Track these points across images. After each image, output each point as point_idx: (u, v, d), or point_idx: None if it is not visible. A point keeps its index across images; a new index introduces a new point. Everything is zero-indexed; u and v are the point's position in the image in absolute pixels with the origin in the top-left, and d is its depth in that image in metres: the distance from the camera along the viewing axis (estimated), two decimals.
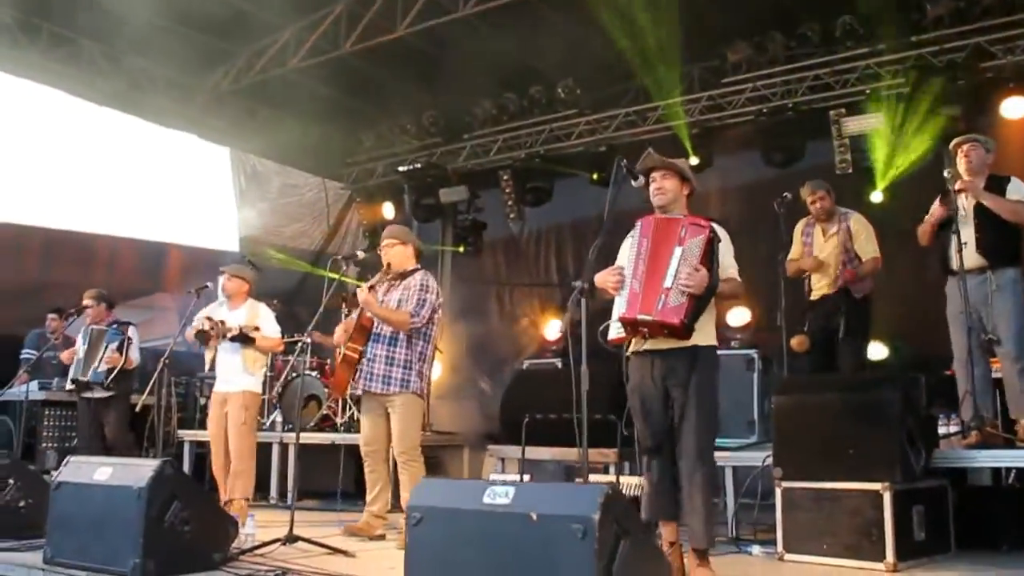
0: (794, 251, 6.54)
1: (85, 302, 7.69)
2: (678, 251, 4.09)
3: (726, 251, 4.29)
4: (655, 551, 3.13)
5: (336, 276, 6.01)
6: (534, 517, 2.82)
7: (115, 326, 7.62)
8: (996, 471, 6.04)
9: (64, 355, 7.75)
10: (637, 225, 4.27)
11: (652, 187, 4.37)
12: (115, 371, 7.38)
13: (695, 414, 4.14)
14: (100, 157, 9.81)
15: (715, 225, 4.24)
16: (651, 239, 4.17)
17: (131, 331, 7.65)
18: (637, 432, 4.36)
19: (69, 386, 7.64)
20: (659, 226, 4.21)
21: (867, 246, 6.32)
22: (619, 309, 4.17)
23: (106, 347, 7.47)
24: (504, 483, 2.98)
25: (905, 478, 4.58)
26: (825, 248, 6.42)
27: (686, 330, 4.06)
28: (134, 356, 7.53)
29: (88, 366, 7.45)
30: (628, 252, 4.25)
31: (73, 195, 9.71)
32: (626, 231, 4.35)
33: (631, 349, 4.33)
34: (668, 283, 4.06)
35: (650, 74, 9.08)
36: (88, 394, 7.55)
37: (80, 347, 7.58)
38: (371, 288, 5.65)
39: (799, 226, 6.50)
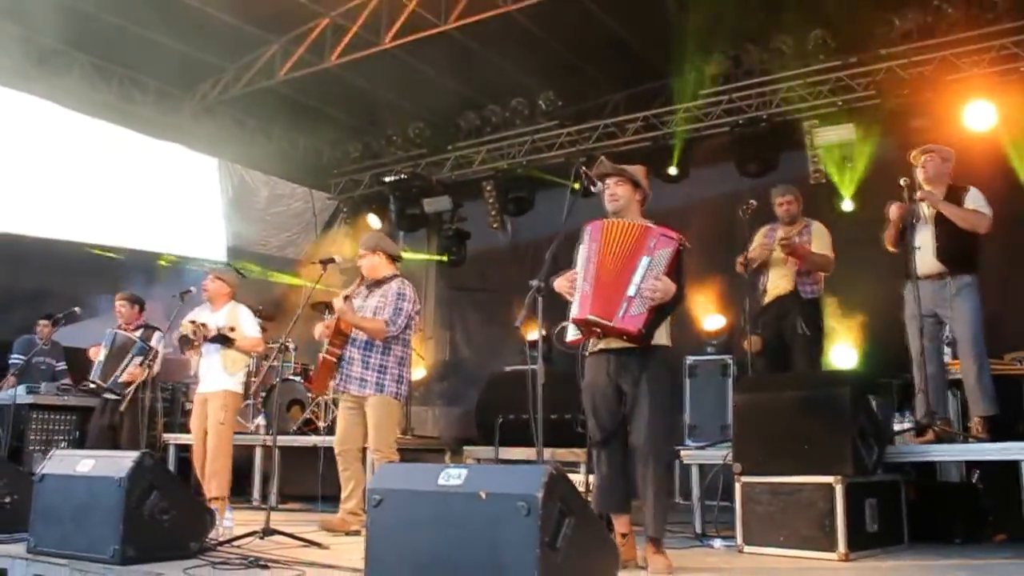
0: (751, 250, 6.65)
1: (118, 304, 7.64)
2: (645, 260, 4.24)
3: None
4: (601, 532, 3.30)
5: (313, 283, 6.14)
6: (483, 495, 2.99)
7: (142, 331, 7.54)
8: (957, 468, 6.25)
9: (92, 352, 7.63)
10: (587, 229, 4.44)
11: (606, 193, 4.56)
12: (133, 385, 7.22)
13: (647, 408, 4.29)
14: (90, 167, 9.95)
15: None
16: (600, 242, 4.33)
17: (155, 338, 7.42)
18: (588, 427, 4.52)
19: (91, 386, 7.58)
20: (608, 229, 4.37)
21: (824, 246, 6.46)
22: (572, 311, 4.33)
23: (130, 359, 7.34)
24: (458, 466, 3.15)
25: (857, 471, 4.76)
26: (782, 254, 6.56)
27: (642, 339, 4.23)
28: (157, 368, 7.30)
29: (108, 373, 7.33)
30: (581, 256, 4.42)
31: (63, 205, 9.85)
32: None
33: (588, 350, 4.51)
34: (631, 291, 4.21)
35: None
36: (108, 395, 7.46)
37: (102, 350, 7.45)
38: (347, 297, 5.81)
39: (762, 229, 6.65)
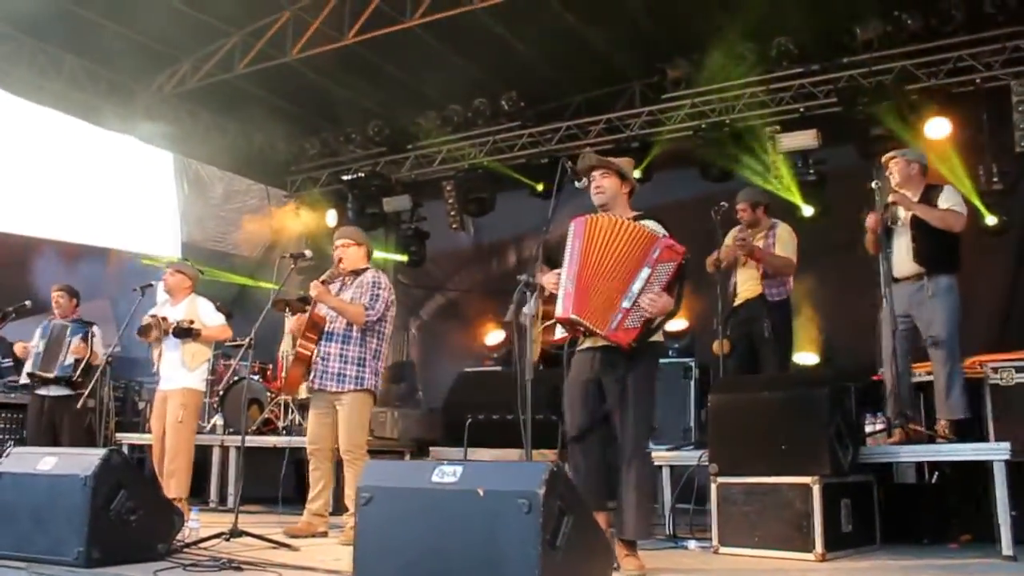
0: (722, 251, 6.66)
1: (55, 295, 7.53)
2: (645, 272, 4.17)
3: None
4: (598, 530, 3.25)
5: (280, 281, 6.01)
6: (481, 493, 2.92)
7: (76, 322, 7.49)
8: (920, 469, 6.32)
9: (17, 348, 7.57)
10: (571, 226, 4.35)
11: (592, 186, 4.48)
12: (82, 363, 7.18)
13: (632, 410, 4.25)
14: (39, 158, 9.67)
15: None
16: (584, 239, 4.25)
17: (94, 328, 7.49)
18: (565, 423, 4.46)
19: (24, 380, 7.46)
20: (594, 226, 4.29)
21: (786, 249, 6.50)
22: (556, 310, 4.26)
23: (70, 341, 7.29)
24: (452, 462, 3.07)
25: (834, 472, 4.78)
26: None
27: (630, 348, 4.19)
28: (99, 351, 7.29)
29: (51, 360, 7.25)
30: (566, 253, 4.32)
31: (10, 197, 9.55)
32: None
33: (576, 347, 4.45)
34: (627, 303, 4.15)
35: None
36: (44, 391, 7.34)
37: (39, 341, 7.37)
38: (323, 283, 5.69)
39: (732, 231, 6.68)
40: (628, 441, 4.23)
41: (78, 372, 7.20)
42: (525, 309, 4.05)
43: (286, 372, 5.92)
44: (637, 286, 4.15)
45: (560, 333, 4.36)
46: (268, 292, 7.03)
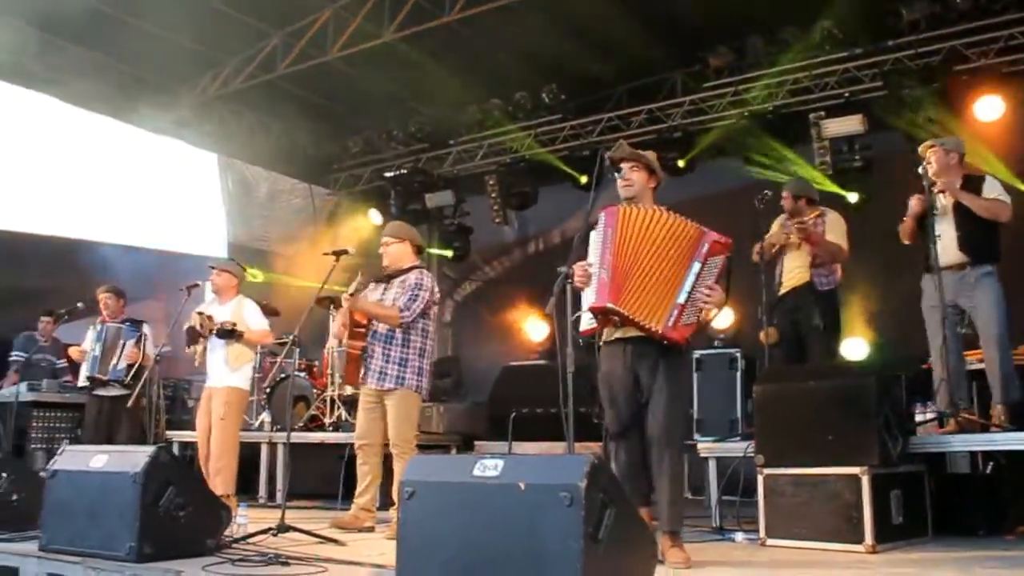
0: (768, 236, 6.54)
1: (101, 296, 7.67)
2: (696, 266, 4.15)
3: None
4: (640, 522, 3.22)
5: (324, 277, 6.01)
6: (522, 486, 2.90)
7: (129, 324, 7.62)
8: (974, 459, 6.19)
9: (73, 352, 7.74)
10: (601, 216, 4.31)
11: (619, 180, 4.44)
12: (134, 367, 7.33)
13: (664, 397, 4.22)
14: (89, 163, 9.86)
15: None
16: (617, 228, 4.21)
17: (146, 328, 7.63)
18: (606, 419, 4.42)
19: (83, 383, 7.61)
20: (627, 217, 4.25)
21: (837, 236, 6.39)
22: (588, 299, 4.21)
23: (124, 344, 7.44)
24: (493, 456, 3.07)
25: (883, 463, 4.68)
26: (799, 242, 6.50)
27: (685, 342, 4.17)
28: (151, 352, 7.41)
29: (107, 364, 7.42)
30: (595, 243, 4.29)
31: (62, 201, 9.75)
32: None
33: (603, 339, 4.41)
34: (682, 298, 4.12)
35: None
36: (102, 391, 7.51)
37: (95, 344, 7.52)
38: (352, 295, 5.65)
39: (779, 219, 6.58)
40: (660, 431, 4.20)
41: (130, 375, 7.34)
42: None
43: (335, 370, 5.93)
44: (690, 281, 4.13)
45: (587, 324, 4.31)
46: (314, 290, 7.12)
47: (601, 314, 4.23)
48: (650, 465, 4.32)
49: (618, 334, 4.35)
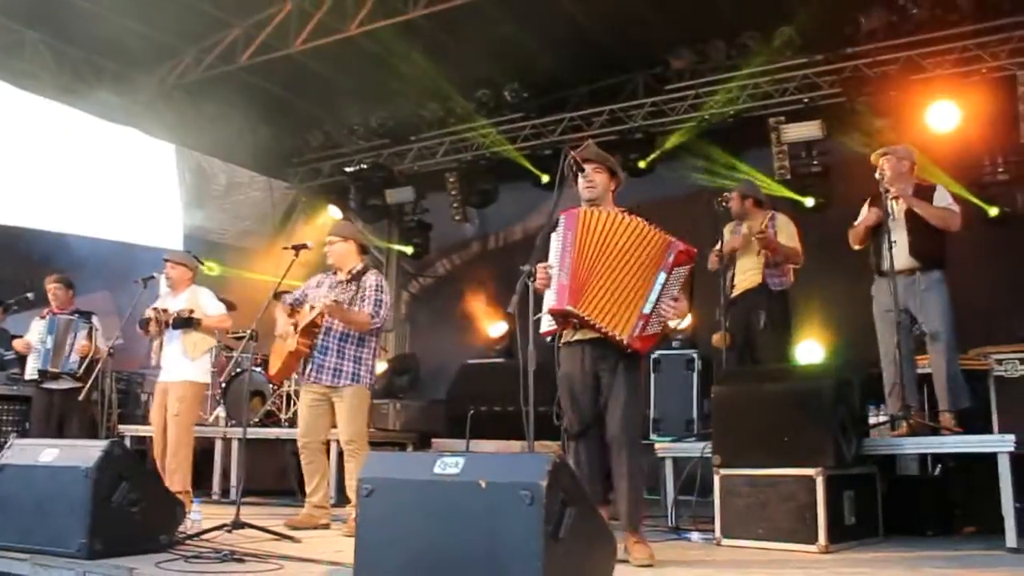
0: (718, 245, 6.58)
1: (50, 287, 7.56)
2: (662, 276, 4.17)
3: None
4: (600, 523, 3.22)
5: (283, 271, 5.95)
6: (483, 485, 2.90)
7: (78, 315, 7.51)
8: (923, 461, 6.31)
9: (18, 344, 7.60)
10: (561, 218, 4.32)
11: (582, 180, 4.44)
12: (87, 360, 7.24)
13: (623, 396, 4.25)
14: (40, 150, 9.62)
15: None
16: (577, 231, 4.22)
17: (95, 320, 7.55)
18: (565, 419, 4.42)
19: (31, 375, 7.47)
20: (588, 219, 4.27)
21: (789, 238, 6.48)
22: (548, 301, 4.22)
23: (75, 336, 7.36)
24: (454, 454, 3.06)
25: (837, 464, 4.75)
26: (750, 246, 6.56)
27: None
28: (102, 345, 7.30)
29: (58, 357, 7.32)
30: (555, 245, 4.29)
31: (12, 189, 9.52)
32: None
33: (563, 340, 4.42)
34: (647, 309, 4.14)
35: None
36: (52, 385, 7.39)
37: (45, 336, 7.41)
38: (336, 301, 5.60)
39: (730, 225, 6.65)
40: (618, 430, 4.23)
41: (82, 368, 7.24)
42: None
43: (276, 361, 5.84)
44: (656, 291, 4.15)
45: (547, 326, 4.31)
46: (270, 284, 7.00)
47: (560, 316, 4.24)
48: (605, 463, 4.35)
49: (577, 336, 4.36)
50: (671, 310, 4.15)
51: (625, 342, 4.14)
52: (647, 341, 4.16)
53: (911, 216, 5.73)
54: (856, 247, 6.04)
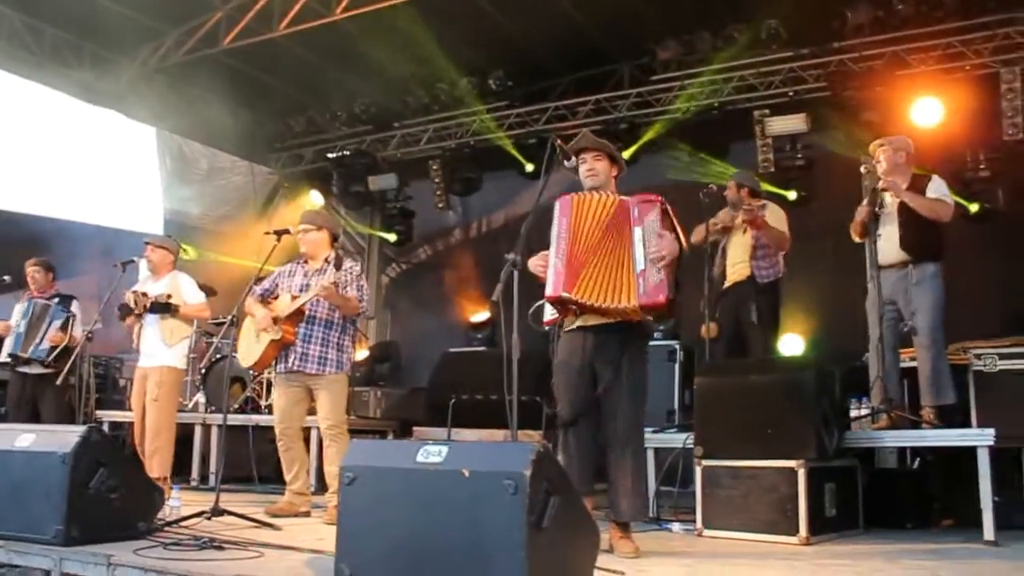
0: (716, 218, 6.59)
1: (29, 270, 7.42)
2: (638, 232, 4.16)
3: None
4: (584, 513, 3.21)
5: (264, 257, 5.89)
6: (466, 473, 2.88)
7: (58, 300, 7.38)
8: (901, 455, 6.34)
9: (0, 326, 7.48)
10: (556, 205, 4.33)
11: (583, 168, 4.47)
12: (57, 349, 7.10)
13: (626, 395, 4.24)
14: (17, 131, 9.51)
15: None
16: (571, 218, 4.24)
17: (75, 306, 7.39)
18: (558, 407, 4.42)
19: (4, 359, 7.34)
20: (579, 204, 4.28)
21: (778, 223, 6.47)
22: (546, 290, 4.23)
23: (50, 323, 7.21)
24: (437, 442, 3.03)
25: (819, 456, 4.77)
26: (740, 237, 6.57)
27: (671, 305, 4.12)
28: (77, 334, 7.16)
29: (29, 342, 7.18)
30: (552, 233, 4.30)
31: None
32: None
33: (564, 328, 4.42)
34: (640, 266, 4.12)
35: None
36: (25, 369, 7.26)
37: (20, 320, 7.28)
38: (334, 283, 5.57)
39: (720, 213, 6.63)
40: (623, 425, 4.23)
41: (51, 356, 7.10)
42: None
43: (251, 351, 5.77)
44: (639, 249, 4.13)
45: (550, 315, 4.32)
46: (252, 269, 6.92)
47: (558, 304, 4.23)
48: (596, 454, 4.35)
49: (578, 323, 4.36)
50: (661, 251, 4.09)
51: (636, 306, 4.10)
52: (656, 291, 4.07)
53: (903, 209, 5.73)
54: (856, 239, 6.03)
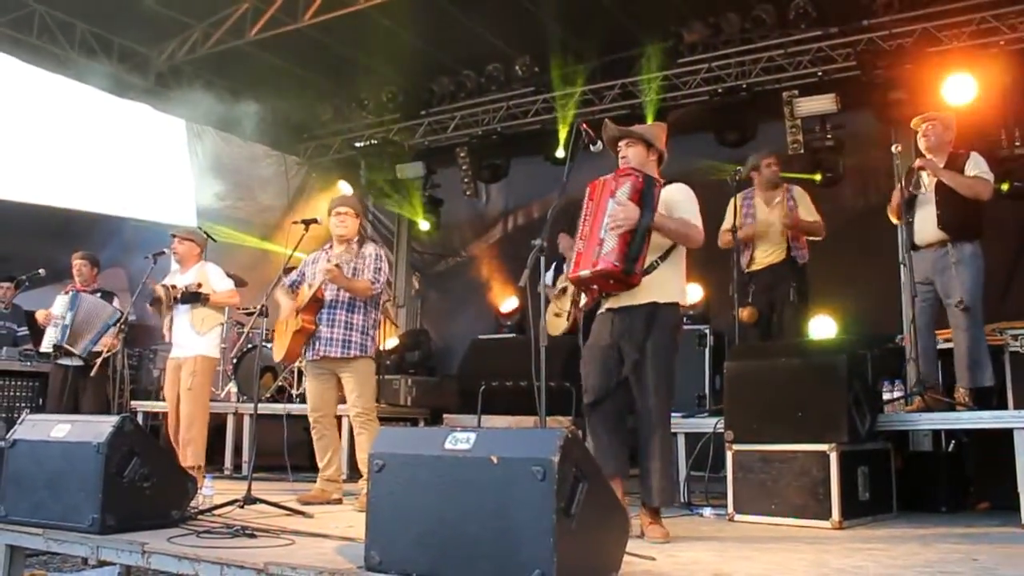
0: (727, 222, 6.51)
1: (76, 263, 7.51)
2: (610, 204, 4.18)
3: (687, 204, 4.37)
4: (613, 498, 3.20)
5: (293, 246, 5.95)
6: (495, 460, 2.88)
7: (101, 294, 7.47)
8: (936, 438, 6.27)
9: (40, 315, 7.52)
10: (587, 190, 4.40)
11: (619, 158, 4.47)
12: (103, 354, 7.04)
13: (652, 376, 4.22)
14: (50, 126, 9.61)
15: (678, 184, 4.35)
16: (595, 201, 4.29)
17: (116, 302, 7.51)
18: (583, 388, 4.42)
19: (46, 348, 7.39)
20: (596, 186, 4.34)
21: (810, 210, 6.44)
22: (567, 272, 4.31)
23: (106, 327, 7.24)
24: (465, 429, 3.03)
25: (851, 439, 4.73)
26: (770, 217, 6.51)
27: (626, 274, 4.09)
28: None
29: (79, 338, 7.23)
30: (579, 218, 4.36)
31: (25, 165, 9.52)
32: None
33: (599, 310, 4.44)
34: (602, 233, 4.15)
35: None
36: (66, 361, 7.32)
37: (66, 312, 7.29)
38: (337, 265, 5.63)
39: (736, 199, 6.51)
40: (651, 409, 4.21)
41: (95, 359, 7.14)
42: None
43: (281, 344, 5.83)
44: (607, 217, 4.15)
45: (584, 298, 4.38)
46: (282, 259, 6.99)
47: (578, 285, 4.27)
48: (624, 437, 4.34)
49: (607, 304, 4.38)
50: (616, 218, 4.09)
51: (590, 274, 4.13)
52: (606, 258, 4.07)
53: (940, 188, 5.64)
54: (895, 221, 5.97)
